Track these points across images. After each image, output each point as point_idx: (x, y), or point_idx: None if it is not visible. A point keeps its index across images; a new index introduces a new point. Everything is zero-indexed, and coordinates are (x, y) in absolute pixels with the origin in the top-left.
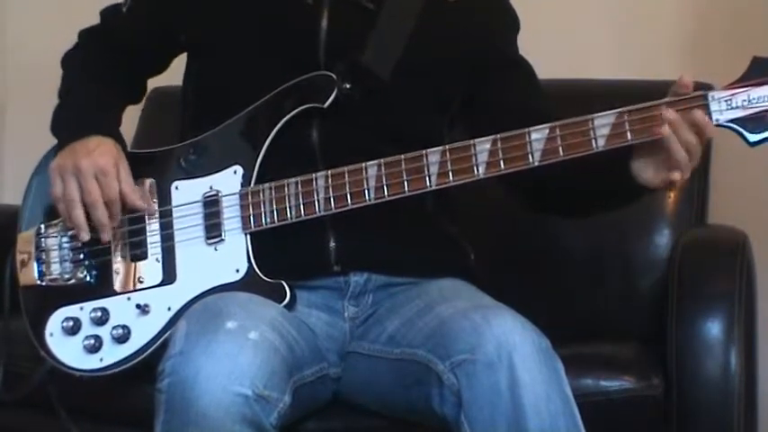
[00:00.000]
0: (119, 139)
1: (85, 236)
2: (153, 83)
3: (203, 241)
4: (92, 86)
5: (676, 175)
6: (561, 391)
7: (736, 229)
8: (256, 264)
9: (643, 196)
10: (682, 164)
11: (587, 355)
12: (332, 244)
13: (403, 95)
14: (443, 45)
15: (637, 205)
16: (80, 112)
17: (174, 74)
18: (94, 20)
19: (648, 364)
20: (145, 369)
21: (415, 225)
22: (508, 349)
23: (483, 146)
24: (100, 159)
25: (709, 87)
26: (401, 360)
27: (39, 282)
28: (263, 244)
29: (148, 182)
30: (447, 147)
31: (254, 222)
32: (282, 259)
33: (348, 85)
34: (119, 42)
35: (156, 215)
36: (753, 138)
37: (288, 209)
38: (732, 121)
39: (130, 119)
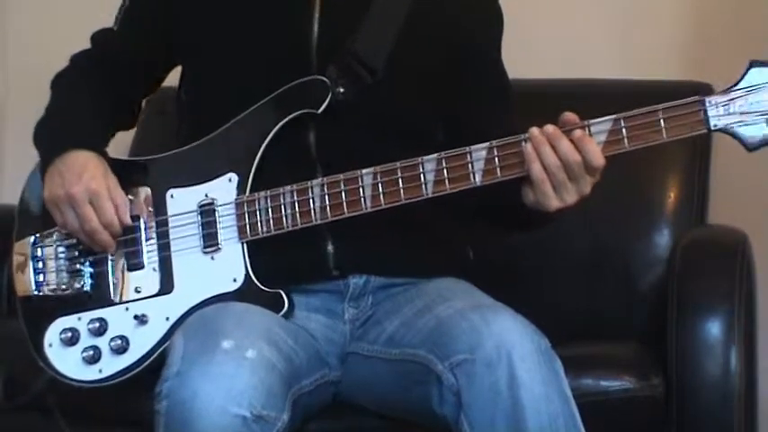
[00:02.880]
0: (101, 151)
1: (111, 250)
2: None
3: (200, 250)
4: (79, 103)
5: (538, 199)
6: (561, 391)
7: (736, 229)
8: (253, 270)
9: (544, 220)
10: (540, 186)
11: (587, 355)
12: (329, 248)
13: (396, 88)
14: (434, 37)
15: (637, 205)
16: (62, 126)
17: (173, 75)
18: (95, 19)
19: (648, 364)
20: (147, 377)
21: (413, 226)
22: (507, 349)
23: (479, 153)
24: (91, 183)
25: (708, 87)
26: (400, 360)
27: (36, 292)
28: (260, 250)
29: (143, 191)
30: (443, 154)
31: (250, 231)
32: (280, 265)
33: (342, 90)
34: (112, 63)
35: (153, 225)
36: (751, 143)
37: (284, 217)
38: (730, 125)
39: None
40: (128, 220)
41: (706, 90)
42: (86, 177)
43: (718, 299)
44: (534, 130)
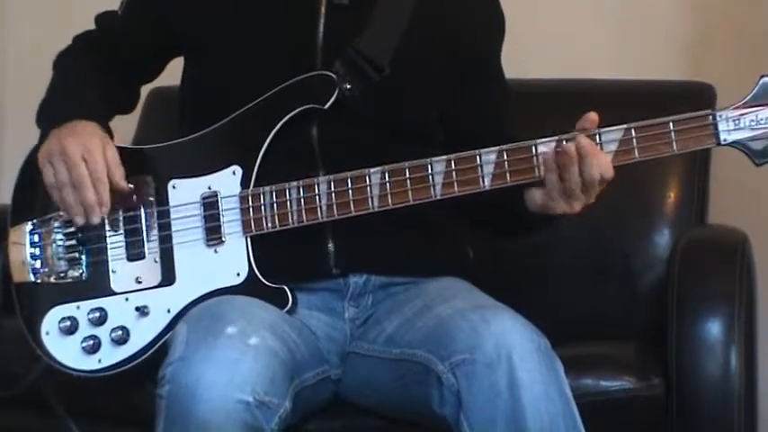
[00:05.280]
0: (107, 128)
1: (80, 219)
2: (152, 83)
3: (203, 243)
4: (81, 83)
5: (546, 202)
6: (561, 391)
7: (737, 229)
8: (255, 266)
9: (547, 223)
10: (551, 191)
11: (587, 355)
12: (330, 247)
13: (400, 87)
14: (437, 37)
15: (637, 205)
16: (67, 104)
17: (173, 74)
18: (94, 19)
19: (648, 364)
20: (145, 368)
21: (413, 225)
22: (507, 349)
23: (489, 157)
24: (87, 141)
25: (708, 87)
26: (400, 360)
27: (33, 278)
28: (262, 246)
29: (144, 180)
30: (452, 156)
31: (255, 226)
32: (281, 262)
33: (348, 86)
34: (113, 45)
35: (154, 214)
36: (759, 158)
37: (289, 214)
38: (739, 141)
39: (131, 118)
40: (123, 184)
41: (706, 90)
42: (84, 135)
43: (718, 299)
44: (571, 148)
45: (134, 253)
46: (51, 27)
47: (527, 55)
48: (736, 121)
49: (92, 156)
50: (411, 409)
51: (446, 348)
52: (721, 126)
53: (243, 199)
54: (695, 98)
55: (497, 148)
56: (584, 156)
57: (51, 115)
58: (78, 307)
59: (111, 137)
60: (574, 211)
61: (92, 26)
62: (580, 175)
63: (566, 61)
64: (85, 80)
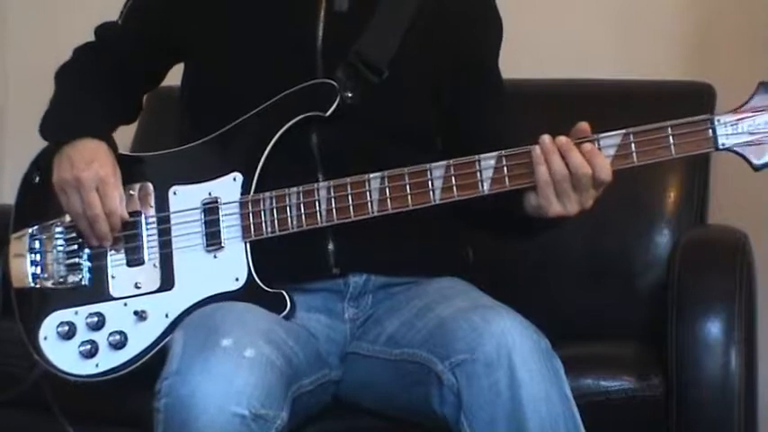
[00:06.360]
0: (111, 142)
1: (94, 243)
2: None
3: (202, 248)
4: (84, 93)
5: (540, 203)
6: (561, 391)
7: (736, 229)
8: (255, 269)
9: (546, 227)
10: (543, 189)
11: (587, 355)
12: (330, 247)
13: (399, 92)
14: (437, 41)
15: (637, 205)
16: (71, 114)
17: (173, 74)
18: (95, 21)
19: (648, 364)
20: (143, 372)
21: (414, 225)
22: (508, 349)
23: (488, 161)
24: (100, 171)
25: (708, 88)
26: (401, 360)
27: (32, 284)
28: (261, 248)
29: (145, 186)
30: (451, 162)
31: (254, 231)
32: (281, 264)
33: (350, 94)
34: (114, 55)
35: (154, 220)
36: (757, 163)
37: (289, 219)
38: (737, 145)
39: None
40: (126, 215)
41: (706, 90)
42: (96, 165)
43: (718, 299)
44: (546, 139)
45: (133, 258)
46: (52, 31)
47: (525, 55)
48: (734, 126)
49: (106, 187)
50: (411, 409)
51: (446, 348)
52: (719, 131)
53: (243, 205)
54: (695, 98)
55: (496, 153)
56: (564, 150)
57: (59, 128)
58: (76, 312)
59: (116, 150)
60: (569, 214)
61: (92, 27)
62: (568, 169)
63: (565, 61)
64: (89, 92)
